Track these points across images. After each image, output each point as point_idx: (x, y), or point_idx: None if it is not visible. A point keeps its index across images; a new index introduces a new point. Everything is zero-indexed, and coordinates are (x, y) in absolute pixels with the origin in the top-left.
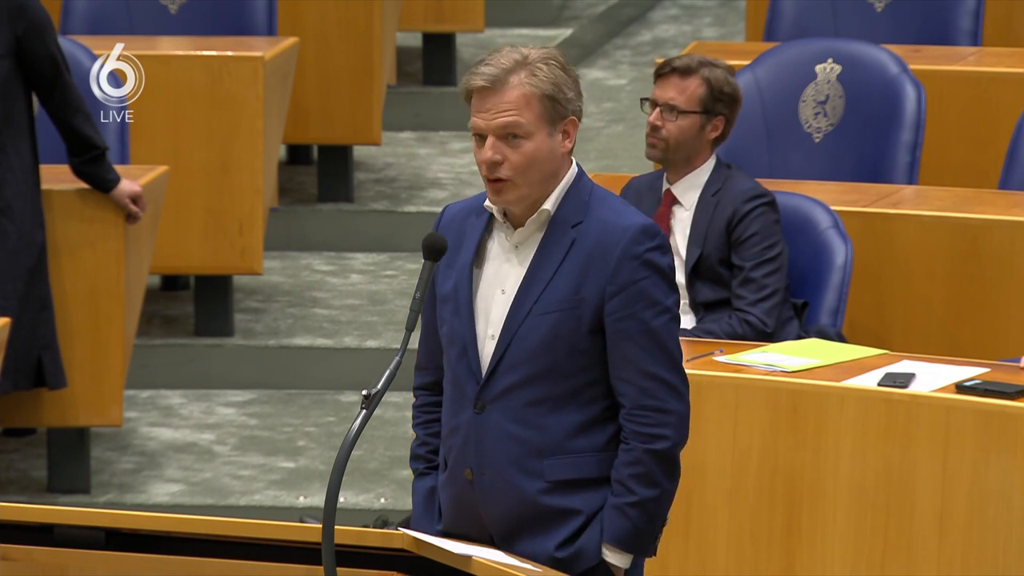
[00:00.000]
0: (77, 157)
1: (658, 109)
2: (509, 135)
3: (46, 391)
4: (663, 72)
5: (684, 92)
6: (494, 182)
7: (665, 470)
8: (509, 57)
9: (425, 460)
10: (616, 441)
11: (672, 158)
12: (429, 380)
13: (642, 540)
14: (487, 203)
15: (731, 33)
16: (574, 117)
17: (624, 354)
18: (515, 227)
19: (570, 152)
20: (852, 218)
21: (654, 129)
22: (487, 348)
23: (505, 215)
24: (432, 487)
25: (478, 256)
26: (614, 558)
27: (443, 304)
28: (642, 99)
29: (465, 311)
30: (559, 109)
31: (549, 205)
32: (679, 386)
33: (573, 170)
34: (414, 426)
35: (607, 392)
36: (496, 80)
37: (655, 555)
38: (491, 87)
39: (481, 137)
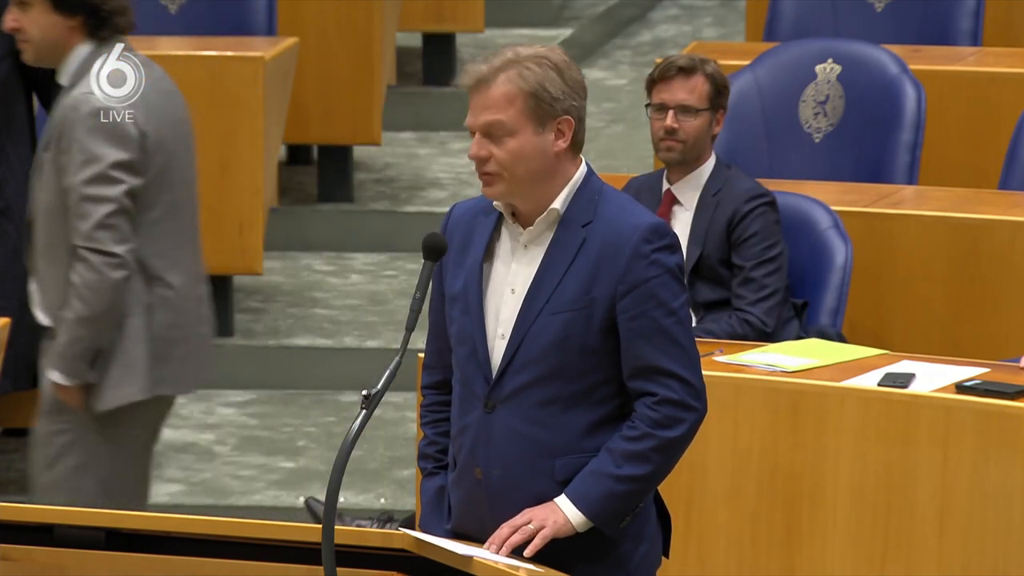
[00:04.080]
0: None
1: (671, 112)
2: (493, 132)
3: None
4: (668, 75)
5: (694, 91)
6: (483, 175)
7: (663, 456)
8: (503, 56)
9: (434, 460)
10: None
11: (687, 158)
12: (437, 379)
13: (610, 512)
14: (496, 202)
15: (731, 33)
16: (568, 117)
17: (639, 353)
18: (524, 226)
19: (568, 152)
20: (852, 218)
21: (670, 132)
22: (497, 348)
23: (514, 215)
24: (441, 486)
25: (487, 255)
26: (571, 513)
27: (452, 303)
28: (651, 104)
29: (475, 310)
30: (545, 108)
31: (558, 204)
32: (697, 386)
33: (583, 170)
34: (423, 425)
35: (618, 391)
36: (482, 79)
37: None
38: (476, 86)
39: (473, 133)
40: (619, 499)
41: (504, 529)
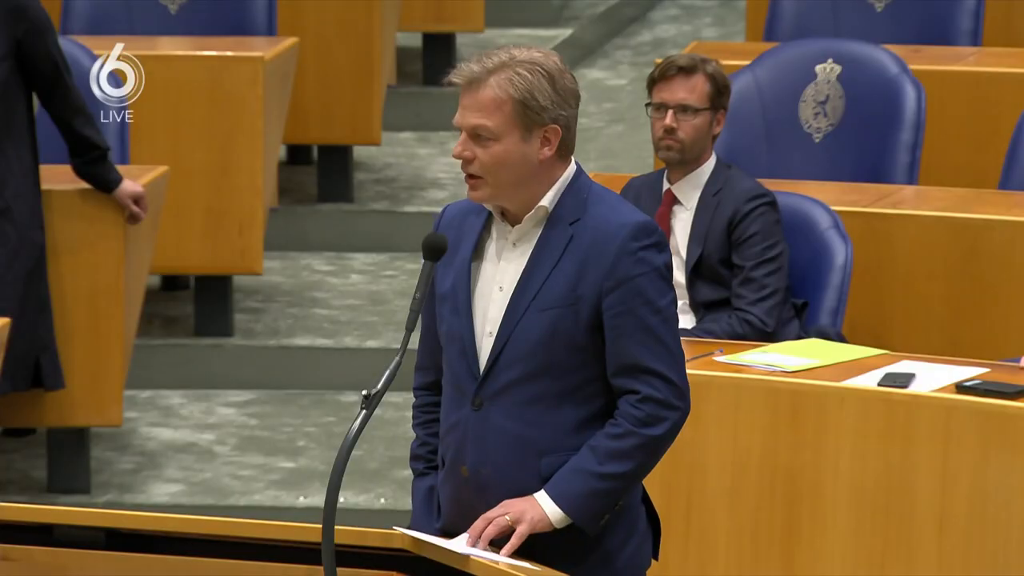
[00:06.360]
0: (79, 158)
1: (671, 111)
2: (479, 135)
3: (46, 391)
4: (669, 74)
5: (694, 91)
6: (468, 178)
7: (644, 455)
8: (498, 57)
9: (425, 460)
10: None
11: (687, 158)
12: (429, 380)
13: (590, 509)
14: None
15: (731, 33)
16: (555, 126)
17: (623, 350)
18: (512, 224)
19: (556, 156)
20: (852, 218)
21: (669, 131)
22: (485, 345)
23: (503, 214)
24: (431, 486)
25: (476, 254)
26: (549, 508)
27: (442, 303)
28: (650, 104)
29: (463, 309)
30: (532, 116)
31: (546, 202)
32: (681, 385)
33: (572, 168)
34: (414, 426)
35: (605, 389)
36: (473, 80)
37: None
38: (467, 85)
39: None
40: (599, 496)
41: (480, 522)
